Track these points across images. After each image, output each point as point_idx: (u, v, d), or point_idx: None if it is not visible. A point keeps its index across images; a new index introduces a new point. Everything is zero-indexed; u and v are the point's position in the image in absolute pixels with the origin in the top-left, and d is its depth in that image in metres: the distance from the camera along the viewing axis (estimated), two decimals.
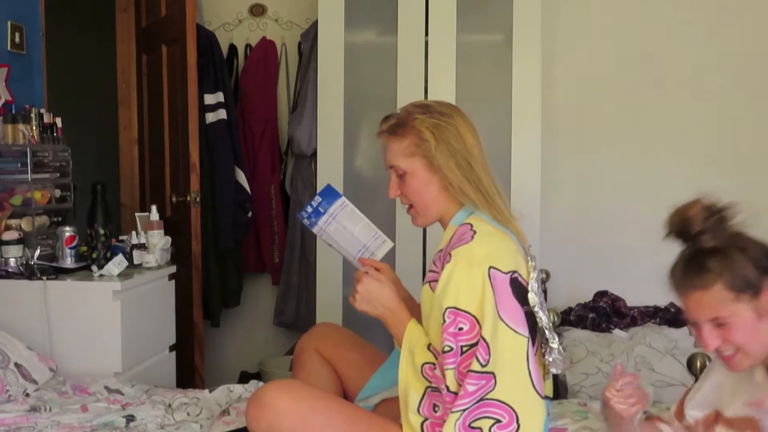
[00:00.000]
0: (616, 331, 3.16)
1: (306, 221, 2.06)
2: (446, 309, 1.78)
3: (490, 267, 1.78)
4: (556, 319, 2.74)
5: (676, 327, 3.20)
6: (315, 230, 2.06)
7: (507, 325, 1.76)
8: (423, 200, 1.93)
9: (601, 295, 3.53)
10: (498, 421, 1.75)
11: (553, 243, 3.83)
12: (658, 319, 3.33)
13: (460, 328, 1.77)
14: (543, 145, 3.56)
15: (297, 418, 1.82)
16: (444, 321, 1.78)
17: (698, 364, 2.21)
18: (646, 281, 3.82)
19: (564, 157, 3.90)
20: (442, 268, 1.82)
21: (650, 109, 3.83)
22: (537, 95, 3.53)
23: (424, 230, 3.55)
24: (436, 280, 1.83)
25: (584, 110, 3.92)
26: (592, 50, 3.91)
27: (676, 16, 3.82)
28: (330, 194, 2.06)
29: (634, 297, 3.57)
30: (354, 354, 2.20)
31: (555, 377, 2.68)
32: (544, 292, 3.59)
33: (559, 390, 2.71)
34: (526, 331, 1.79)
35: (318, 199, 2.05)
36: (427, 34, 3.57)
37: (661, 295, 3.72)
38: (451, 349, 1.77)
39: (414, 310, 1.97)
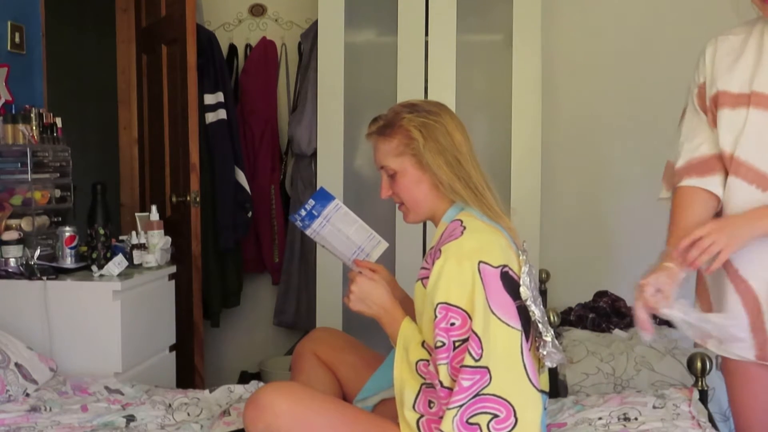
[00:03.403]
0: (616, 331, 3.17)
1: (299, 224, 2.06)
2: (437, 304, 1.79)
3: (480, 261, 1.79)
4: (556, 319, 2.74)
5: (675, 327, 3.20)
6: (308, 232, 2.07)
7: (499, 318, 1.77)
8: (414, 198, 1.94)
9: (601, 295, 3.53)
10: (495, 416, 1.76)
11: (553, 243, 3.84)
12: (658, 319, 3.33)
13: (452, 323, 1.78)
14: (543, 145, 3.56)
15: (295, 419, 1.82)
16: (436, 316, 1.79)
17: (698, 364, 2.22)
18: None
19: (564, 157, 3.90)
20: (433, 264, 1.83)
21: (650, 109, 3.83)
22: (537, 95, 3.53)
23: (424, 230, 3.55)
24: (428, 277, 1.84)
25: (584, 110, 3.92)
26: (592, 50, 3.91)
27: (676, 15, 3.82)
28: (323, 197, 2.06)
29: (634, 297, 3.56)
30: (352, 356, 2.20)
31: (555, 377, 2.69)
32: (544, 292, 3.61)
33: (559, 390, 2.72)
34: (518, 325, 1.79)
35: (311, 202, 2.05)
36: (427, 34, 3.57)
37: None
38: (444, 344, 1.77)
39: (410, 310, 1.97)
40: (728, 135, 1.74)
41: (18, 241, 2.78)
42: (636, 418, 2.05)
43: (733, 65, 1.77)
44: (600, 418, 2.07)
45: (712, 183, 1.78)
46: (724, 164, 1.78)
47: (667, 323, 3.38)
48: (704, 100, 1.82)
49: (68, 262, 2.85)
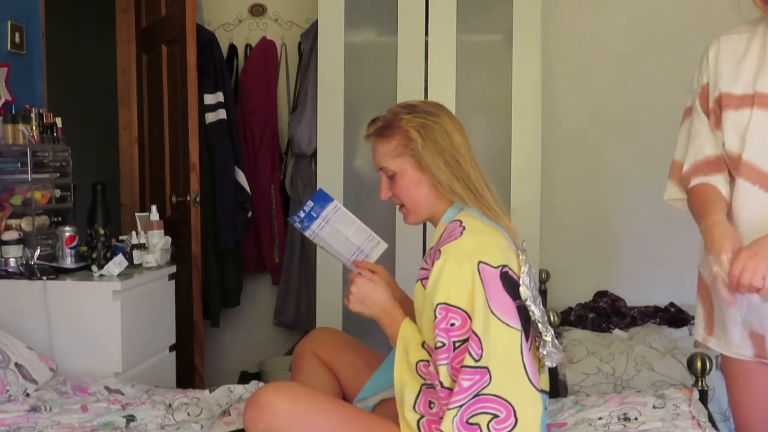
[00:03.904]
0: (616, 331, 3.17)
1: (298, 225, 2.06)
2: (437, 305, 1.79)
3: (480, 262, 1.79)
4: (556, 319, 2.74)
5: (676, 327, 3.21)
6: (307, 234, 2.07)
7: (499, 319, 1.77)
8: (413, 199, 1.94)
9: (601, 295, 3.53)
10: (495, 416, 1.76)
11: (553, 243, 3.84)
12: (658, 319, 3.33)
13: (452, 324, 1.78)
14: (543, 145, 3.56)
15: (295, 419, 1.82)
16: (435, 317, 1.79)
17: (698, 364, 2.22)
18: (646, 281, 3.86)
19: (564, 157, 3.90)
20: (433, 264, 1.83)
21: (650, 108, 3.83)
22: (537, 95, 3.53)
23: (424, 230, 3.55)
24: (427, 277, 1.84)
25: (584, 110, 3.92)
26: (592, 50, 3.91)
27: (675, 15, 3.82)
28: (322, 198, 2.06)
29: (634, 297, 3.57)
30: (352, 356, 2.20)
31: (555, 377, 2.69)
32: (544, 292, 3.61)
33: (559, 390, 2.72)
34: (518, 325, 1.79)
35: (310, 203, 2.05)
36: (427, 34, 3.57)
37: (661, 295, 3.73)
38: (444, 344, 1.77)
39: (410, 311, 1.97)
40: (733, 136, 1.74)
41: (18, 241, 2.78)
42: (636, 418, 2.05)
43: (737, 67, 1.77)
44: (600, 418, 2.07)
45: (717, 181, 1.80)
46: (726, 164, 1.79)
47: (668, 323, 3.39)
48: (707, 102, 1.82)
49: (68, 262, 2.85)
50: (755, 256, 1.60)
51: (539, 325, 1.83)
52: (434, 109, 1.95)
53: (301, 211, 2.05)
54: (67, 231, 2.86)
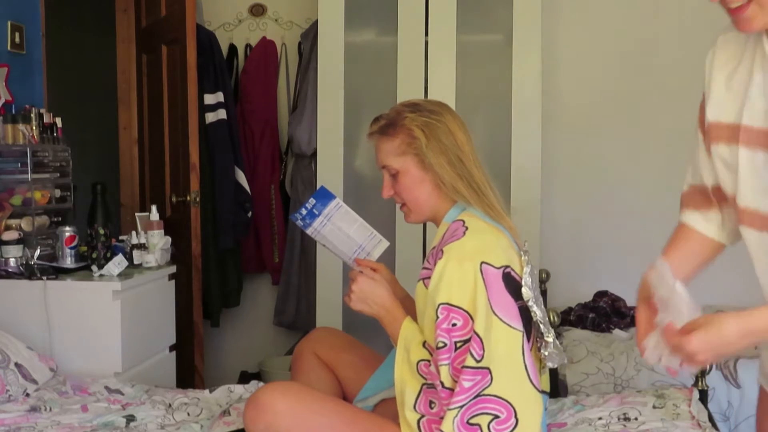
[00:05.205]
0: (616, 331, 3.17)
1: (300, 223, 2.06)
2: (439, 305, 1.79)
3: (482, 262, 1.79)
4: (556, 319, 2.72)
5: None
6: (309, 231, 2.07)
7: (501, 319, 1.77)
8: (416, 198, 1.94)
9: (601, 295, 3.53)
10: (496, 416, 1.76)
11: (553, 243, 3.83)
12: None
13: (454, 324, 1.78)
14: (543, 145, 3.56)
15: (295, 419, 1.82)
16: (437, 317, 1.79)
17: None
18: None
19: (564, 157, 3.90)
20: (435, 264, 1.83)
21: (650, 108, 3.83)
22: (537, 95, 3.53)
23: (424, 229, 3.55)
24: (430, 277, 1.84)
25: (584, 110, 3.92)
26: (592, 50, 3.91)
27: (676, 15, 3.82)
28: (324, 196, 2.06)
29: (634, 297, 3.56)
30: (352, 356, 2.20)
31: (555, 377, 2.69)
32: (545, 292, 3.60)
33: (559, 390, 2.72)
34: (520, 326, 1.79)
35: (312, 201, 2.05)
36: (427, 34, 3.57)
37: None
38: (445, 345, 1.78)
39: (411, 309, 1.97)
40: (724, 175, 1.45)
41: (18, 241, 2.78)
42: (636, 418, 2.05)
43: (728, 82, 1.44)
44: (600, 418, 2.07)
45: (694, 219, 1.58)
46: (722, 197, 1.50)
47: None
48: (703, 118, 1.49)
49: (68, 262, 2.85)
50: (712, 351, 1.33)
51: (541, 326, 1.83)
52: (438, 107, 1.96)
53: (303, 209, 2.05)
54: (67, 231, 2.86)
